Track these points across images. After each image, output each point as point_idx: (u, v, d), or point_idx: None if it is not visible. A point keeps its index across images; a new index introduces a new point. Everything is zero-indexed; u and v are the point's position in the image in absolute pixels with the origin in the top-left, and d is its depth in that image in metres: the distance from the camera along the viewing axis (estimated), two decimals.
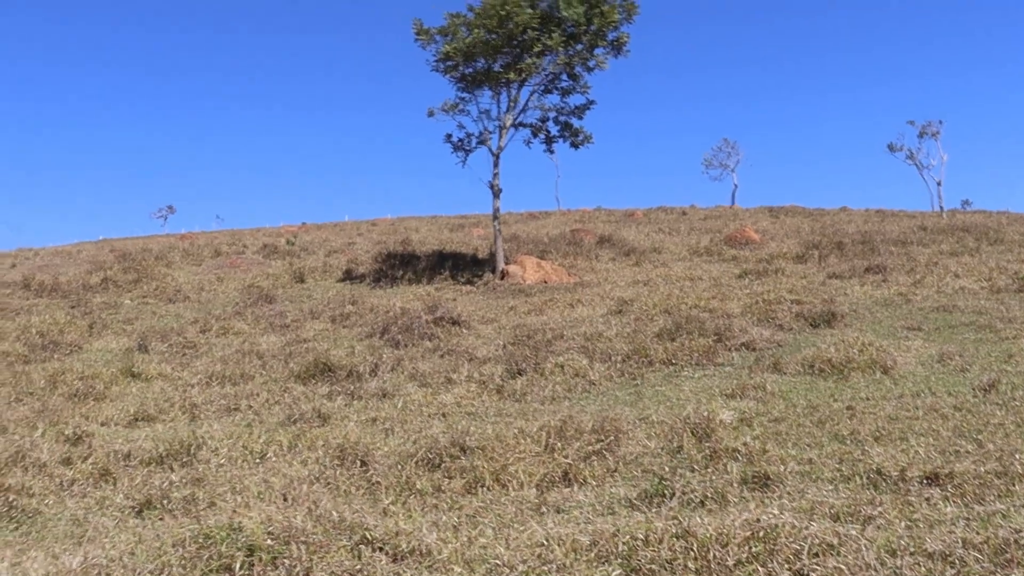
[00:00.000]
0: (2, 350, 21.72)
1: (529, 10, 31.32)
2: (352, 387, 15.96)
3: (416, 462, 10.68)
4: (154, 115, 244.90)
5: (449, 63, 33.16)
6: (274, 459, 11.26)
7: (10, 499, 10.54)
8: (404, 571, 6.99)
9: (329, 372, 17.07)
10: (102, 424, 14.67)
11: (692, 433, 11.03)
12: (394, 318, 21.80)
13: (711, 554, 6.79)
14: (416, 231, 48.63)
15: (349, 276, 32.81)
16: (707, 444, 10.65)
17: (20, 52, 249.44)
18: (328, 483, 10.24)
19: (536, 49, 31.87)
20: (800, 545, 6.80)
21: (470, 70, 33.57)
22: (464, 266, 33.13)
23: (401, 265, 33.53)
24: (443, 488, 9.84)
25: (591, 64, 33.43)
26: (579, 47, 32.91)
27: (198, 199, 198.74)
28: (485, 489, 9.73)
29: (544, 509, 8.96)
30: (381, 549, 7.31)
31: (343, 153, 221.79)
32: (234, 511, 8.50)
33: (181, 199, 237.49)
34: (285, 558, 7.09)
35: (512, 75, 32.63)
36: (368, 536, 7.44)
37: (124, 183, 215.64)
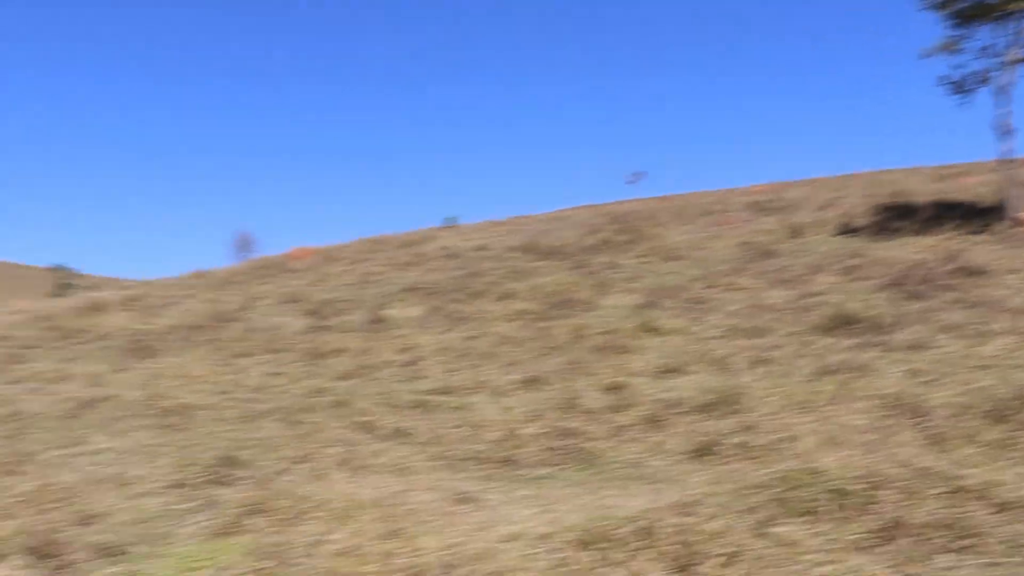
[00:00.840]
0: (519, 309, 23.42)
1: None
2: (878, 339, 15.54)
3: (976, 414, 10.20)
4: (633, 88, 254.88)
5: None
6: (821, 408, 11.22)
7: (573, 443, 11.38)
8: (1011, 522, 6.70)
9: (848, 324, 16.73)
10: (631, 375, 15.33)
11: None
12: (906, 270, 20.94)
13: None
14: (895, 183, 46.27)
15: (845, 229, 31.93)
16: None
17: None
18: (884, 432, 10.05)
19: None
20: None
21: (966, 4, 31.18)
22: (966, 215, 31.01)
23: (897, 217, 32.05)
24: (1015, 442, 9.31)
25: None
26: None
27: (663, 164, 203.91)
28: None
29: None
30: (977, 499, 7.06)
31: (800, 111, 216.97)
32: (809, 456, 8.58)
33: (648, 165, 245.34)
34: (875, 503, 7.07)
35: (1013, 4, 29.90)
36: (961, 485, 7.21)
37: (592, 150, 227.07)
